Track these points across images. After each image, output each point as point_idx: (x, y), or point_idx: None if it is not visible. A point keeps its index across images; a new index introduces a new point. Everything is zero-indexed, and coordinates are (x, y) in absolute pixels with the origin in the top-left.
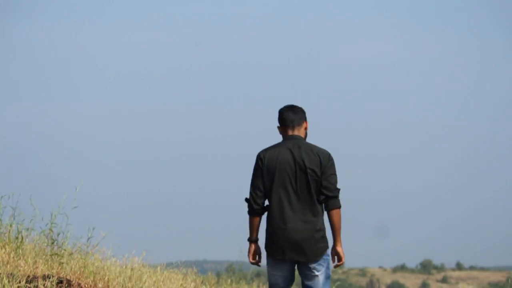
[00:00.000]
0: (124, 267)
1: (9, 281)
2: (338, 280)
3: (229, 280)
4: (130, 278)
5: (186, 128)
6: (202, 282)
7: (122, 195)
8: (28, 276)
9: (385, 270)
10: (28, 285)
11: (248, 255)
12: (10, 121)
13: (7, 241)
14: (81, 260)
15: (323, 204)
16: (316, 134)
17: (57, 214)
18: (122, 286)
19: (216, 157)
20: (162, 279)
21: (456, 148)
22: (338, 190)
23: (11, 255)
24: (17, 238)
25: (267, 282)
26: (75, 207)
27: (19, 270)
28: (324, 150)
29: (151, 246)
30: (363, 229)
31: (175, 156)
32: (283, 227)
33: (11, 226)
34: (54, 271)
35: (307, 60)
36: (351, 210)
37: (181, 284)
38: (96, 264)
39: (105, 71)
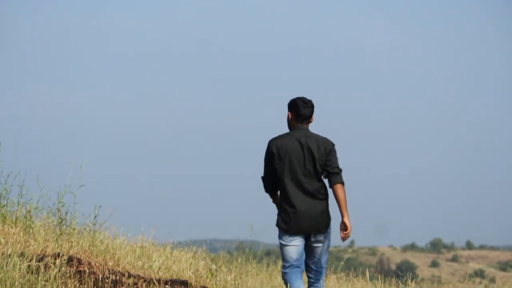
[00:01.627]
0: (134, 245)
1: (20, 260)
2: (348, 259)
3: (239, 259)
4: (140, 256)
5: (196, 108)
6: (212, 260)
7: (130, 174)
8: (39, 255)
9: (395, 249)
10: (39, 263)
11: (277, 206)
12: (18, 102)
13: (16, 220)
14: (90, 239)
15: (328, 181)
16: (318, 121)
17: (64, 193)
18: (132, 264)
19: (227, 137)
20: (172, 258)
21: (465, 127)
22: (340, 169)
23: (21, 234)
24: (26, 217)
25: (282, 259)
26: (81, 186)
27: (30, 249)
28: (328, 139)
29: (161, 225)
30: (372, 209)
31: (185, 135)
32: (297, 207)
33: (19, 205)
34: (64, 249)
35: (304, 46)
36: (360, 190)
37: (191, 263)
38: (105, 243)
39: (111, 52)
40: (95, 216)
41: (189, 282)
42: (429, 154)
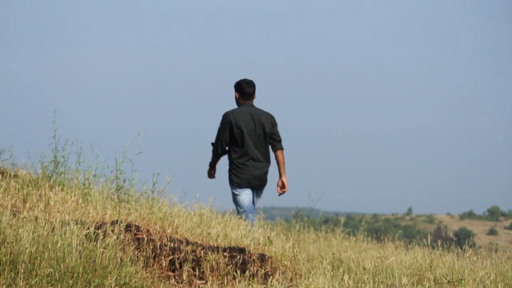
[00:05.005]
0: (192, 212)
1: (78, 228)
2: (406, 226)
3: (297, 226)
4: (198, 224)
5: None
6: (270, 228)
7: (187, 138)
8: (97, 222)
9: (452, 217)
10: (97, 231)
11: (209, 171)
12: (77, 65)
13: (74, 187)
14: (148, 206)
15: (272, 147)
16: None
17: (122, 160)
18: (191, 232)
19: (272, 100)
20: (230, 225)
21: None
22: (281, 138)
23: (80, 202)
24: (84, 184)
25: (236, 205)
26: (139, 153)
27: (88, 217)
28: (271, 114)
29: (218, 192)
30: (431, 177)
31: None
32: (251, 165)
33: (77, 172)
34: (122, 217)
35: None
36: (420, 158)
37: (249, 230)
38: (163, 210)
39: (152, 13)
40: (154, 184)
41: (247, 249)
42: (489, 122)
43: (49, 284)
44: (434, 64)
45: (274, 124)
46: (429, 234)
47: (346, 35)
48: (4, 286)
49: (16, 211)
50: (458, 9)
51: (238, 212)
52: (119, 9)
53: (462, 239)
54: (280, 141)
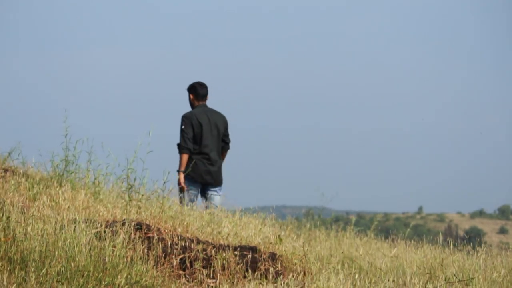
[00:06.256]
0: (202, 212)
1: (87, 226)
2: (417, 225)
3: (308, 225)
4: (208, 223)
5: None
6: (280, 227)
7: None
8: (107, 221)
9: (463, 215)
10: (107, 229)
11: (179, 181)
12: (85, 65)
13: (85, 186)
14: (158, 205)
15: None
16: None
17: (133, 159)
18: (201, 230)
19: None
20: (240, 224)
21: None
22: (230, 140)
23: (90, 201)
24: (94, 183)
25: (182, 197)
26: (150, 152)
27: (98, 215)
28: (225, 116)
29: (229, 191)
30: (441, 176)
31: (253, 97)
32: (206, 162)
33: (88, 171)
34: (133, 216)
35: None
36: (431, 157)
37: (260, 229)
38: (174, 209)
39: (160, 13)
40: (164, 182)
41: (258, 248)
42: (498, 119)
43: (60, 283)
44: (440, 60)
45: (227, 126)
46: (440, 233)
47: (347, 35)
48: (15, 284)
49: (25, 209)
50: (459, 9)
51: (181, 201)
52: (124, 9)
53: (472, 238)
54: (228, 143)
